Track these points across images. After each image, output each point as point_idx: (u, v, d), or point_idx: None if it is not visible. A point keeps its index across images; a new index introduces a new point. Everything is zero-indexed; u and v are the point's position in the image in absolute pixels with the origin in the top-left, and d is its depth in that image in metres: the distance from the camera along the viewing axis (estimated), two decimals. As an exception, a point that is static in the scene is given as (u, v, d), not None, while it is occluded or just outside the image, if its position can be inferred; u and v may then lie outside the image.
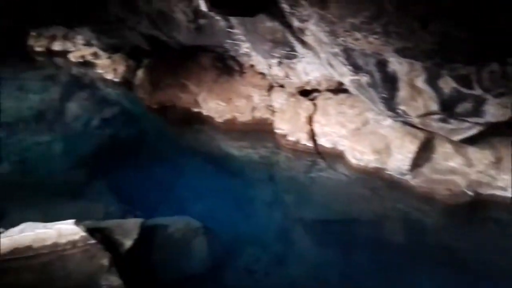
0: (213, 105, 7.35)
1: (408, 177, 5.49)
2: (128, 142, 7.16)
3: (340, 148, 6.14)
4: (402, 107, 4.74)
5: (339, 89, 6.20)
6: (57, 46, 11.97)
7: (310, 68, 5.73)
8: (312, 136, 6.37)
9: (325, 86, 6.19)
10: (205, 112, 7.49)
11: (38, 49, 12.10)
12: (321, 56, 4.83)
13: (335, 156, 6.18)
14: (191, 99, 7.72)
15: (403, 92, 4.46)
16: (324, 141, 6.31)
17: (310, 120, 6.44)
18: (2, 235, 3.79)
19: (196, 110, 7.64)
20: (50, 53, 11.91)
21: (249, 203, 5.46)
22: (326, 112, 6.35)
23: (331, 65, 4.90)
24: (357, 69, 4.44)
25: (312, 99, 6.68)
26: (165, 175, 5.96)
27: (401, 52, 3.74)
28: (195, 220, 4.68)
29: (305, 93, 6.71)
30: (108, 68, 9.58)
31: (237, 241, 4.68)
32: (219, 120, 7.23)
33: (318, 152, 6.32)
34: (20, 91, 9.17)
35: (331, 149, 6.25)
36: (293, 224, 5.13)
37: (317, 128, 6.37)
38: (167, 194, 5.56)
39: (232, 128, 7.12)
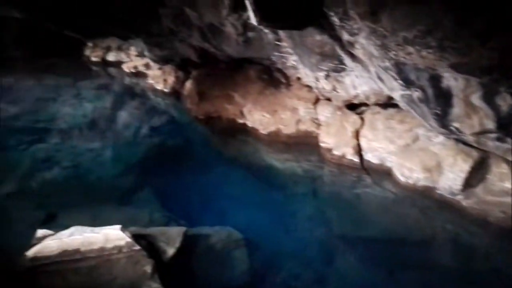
0: (258, 117, 7.37)
1: (459, 198, 5.23)
2: (174, 151, 7.31)
3: (388, 164, 5.97)
4: (455, 124, 4.54)
5: (388, 103, 6.04)
6: (111, 56, 12.55)
7: (358, 81, 5.63)
8: (359, 151, 6.24)
9: (374, 100, 6.06)
10: (250, 123, 7.54)
11: (94, 59, 12.74)
12: (370, 69, 4.72)
13: (382, 173, 6.01)
14: (237, 111, 7.80)
15: (457, 109, 4.27)
16: (370, 157, 6.17)
17: (356, 135, 6.31)
18: (52, 237, 3.94)
19: (241, 121, 7.72)
20: (105, 63, 12.51)
21: (291, 217, 5.39)
22: (374, 127, 6.20)
23: (380, 79, 4.78)
24: (408, 84, 4.31)
25: (359, 113, 6.55)
26: (209, 185, 6.02)
27: (457, 68, 3.58)
28: (236, 231, 4.69)
29: (352, 106, 6.60)
30: (159, 79, 9.89)
31: (277, 255, 4.63)
32: (264, 131, 7.25)
33: (364, 167, 6.18)
34: (76, 99, 9.65)
35: (378, 165, 6.09)
36: (336, 241, 5.00)
37: (364, 143, 6.23)
38: (210, 204, 5.60)
39: (276, 140, 7.11)
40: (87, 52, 12.99)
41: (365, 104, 6.41)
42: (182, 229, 4.42)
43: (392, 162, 5.90)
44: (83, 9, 6.48)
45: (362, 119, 6.42)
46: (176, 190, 5.86)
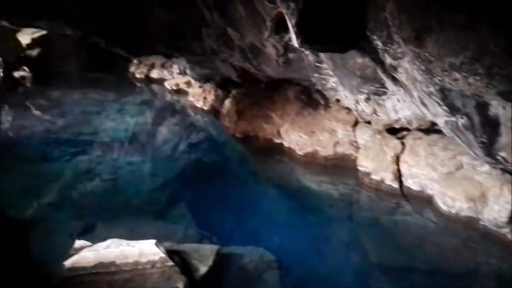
0: (295, 137, 7.34)
1: (505, 230, 4.96)
2: (211, 168, 7.37)
3: (429, 192, 5.77)
4: (502, 154, 4.33)
5: (431, 129, 5.87)
6: (155, 74, 12.96)
7: (400, 105, 5.51)
8: (398, 176, 6.07)
9: (416, 125, 5.90)
10: (286, 143, 7.51)
11: (138, 75, 13.20)
12: (413, 94, 4.61)
13: (423, 200, 5.81)
14: (274, 130, 7.81)
15: (505, 138, 4.09)
16: (411, 183, 5.98)
17: (397, 160, 6.15)
18: (89, 248, 4.04)
19: (277, 141, 7.70)
20: (148, 80, 12.93)
21: (325, 241, 5.28)
22: (415, 153, 6.02)
23: (424, 104, 4.66)
24: (453, 110, 4.17)
25: (400, 138, 6.39)
26: (243, 204, 6.02)
27: (505, 95, 3.44)
28: (269, 252, 4.64)
29: (393, 131, 6.45)
30: (199, 97, 10.08)
31: (310, 279, 4.52)
32: (300, 152, 7.19)
33: (404, 194, 5.99)
34: (119, 113, 9.97)
35: (418, 192, 5.89)
36: (372, 269, 4.84)
37: (404, 168, 6.06)
38: (244, 223, 5.58)
39: (313, 162, 7.03)
40: (132, 68, 13.48)
41: (407, 129, 6.25)
42: (215, 247, 4.43)
43: (434, 190, 5.69)
44: (131, 28, 6.74)
45: (403, 144, 6.26)
46: (211, 207, 5.88)
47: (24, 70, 13.06)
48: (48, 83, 12.39)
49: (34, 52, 13.65)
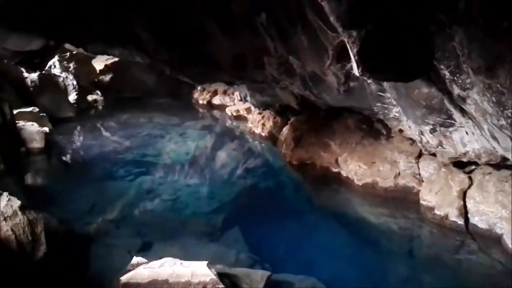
0: (354, 167, 7.20)
1: None
2: (266, 194, 7.41)
3: (498, 231, 5.38)
4: None
5: (501, 164, 5.50)
6: (217, 100, 13.41)
7: (468, 138, 5.23)
8: (464, 213, 5.74)
9: (485, 160, 5.56)
10: (344, 173, 7.39)
11: (201, 101, 13.74)
12: (483, 127, 4.37)
13: (490, 239, 5.43)
14: (332, 159, 7.71)
15: None
16: (477, 221, 5.62)
17: (463, 195, 5.82)
18: (145, 265, 4.18)
19: (335, 170, 7.60)
20: (210, 106, 13.41)
21: (381, 277, 5.04)
22: (484, 189, 5.67)
23: (494, 138, 4.40)
24: (527, 145, 3.91)
25: (467, 172, 6.05)
26: (297, 232, 5.96)
27: None
28: (321, 283, 4.55)
29: (459, 164, 6.12)
30: (258, 123, 10.25)
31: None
32: (358, 183, 7.04)
33: (469, 232, 5.64)
34: (181, 137, 10.39)
35: (485, 230, 5.52)
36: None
37: (470, 205, 5.72)
38: (297, 251, 5.51)
39: (372, 193, 6.85)
40: (196, 95, 14.04)
41: (475, 163, 5.91)
42: (266, 273, 4.40)
43: (503, 229, 5.31)
44: (196, 57, 7.04)
45: (470, 178, 5.92)
46: (265, 233, 5.87)
47: (97, 94, 14.05)
48: (118, 106, 13.23)
49: (107, 78, 14.67)
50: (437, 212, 5.92)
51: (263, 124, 10.12)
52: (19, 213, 4.50)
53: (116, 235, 5.73)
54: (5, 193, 4.71)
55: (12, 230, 4.33)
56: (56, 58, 12.67)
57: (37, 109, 9.99)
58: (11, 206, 4.51)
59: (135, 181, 7.62)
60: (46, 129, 9.43)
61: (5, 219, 4.35)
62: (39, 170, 8.46)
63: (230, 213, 6.55)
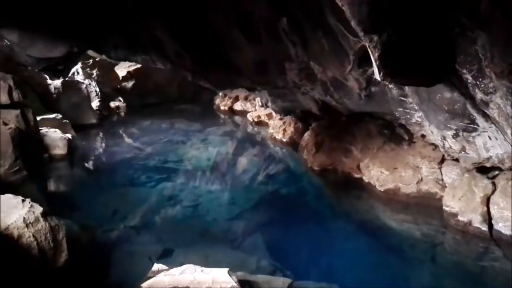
0: (376, 173, 7.13)
1: None
2: (287, 200, 7.39)
3: (523, 238, 5.24)
4: None
5: (527, 170, 5.38)
6: (238, 106, 13.51)
7: (491, 143, 5.13)
8: (488, 219, 5.61)
9: (509, 165, 5.43)
10: (366, 178, 7.33)
11: (222, 107, 13.87)
12: (506, 131, 4.29)
13: (515, 246, 5.29)
14: (353, 165, 7.65)
15: None
16: (501, 227, 5.50)
17: (486, 201, 5.69)
18: (165, 272, 4.21)
19: (357, 176, 7.55)
20: (232, 111, 13.52)
21: (406, 285, 4.96)
22: (508, 194, 5.52)
23: (519, 143, 4.31)
24: (553, 150, 3.81)
25: (491, 178, 5.91)
26: (318, 238, 5.91)
27: None
28: (343, 290, 4.49)
29: (483, 169, 5.99)
30: (279, 129, 10.26)
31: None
32: (380, 188, 6.97)
33: (493, 238, 5.52)
34: (203, 143, 10.48)
35: (510, 236, 5.39)
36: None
37: (494, 211, 5.59)
38: (319, 258, 5.47)
39: (393, 199, 6.77)
40: (217, 101, 14.18)
41: (499, 168, 5.78)
42: (288, 280, 4.38)
43: (529, 236, 5.17)
44: (218, 63, 7.11)
45: (494, 184, 5.78)
46: (286, 240, 5.86)
47: (119, 100, 14.32)
48: (140, 113, 13.45)
49: (129, 84, 14.93)
50: (460, 218, 5.81)
51: (284, 130, 10.13)
52: (41, 219, 4.54)
53: (137, 242, 5.78)
54: (28, 200, 4.78)
55: (34, 236, 4.37)
56: (79, 65, 13.02)
57: (60, 116, 10.21)
58: (33, 212, 4.56)
59: (157, 187, 7.70)
60: (69, 135, 9.63)
61: (27, 225, 4.39)
62: (61, 177, 8.62)
63: (251, 220, 6.54)
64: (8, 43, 7.32)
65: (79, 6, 6.41)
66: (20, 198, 4.82)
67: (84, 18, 6.58)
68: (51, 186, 8.23)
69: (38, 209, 4.67)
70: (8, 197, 4.84)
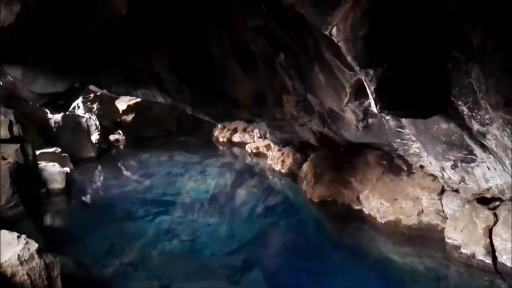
0: (376, 204, 7.07)
1: None
2: (287, 232, 7.30)
3: (528, 271, 5.13)
4: None
5: (528, 200, 5.34)
6: (237, 137, 13.56)
7: (491, 174, 5.11)
8: (491, 251, 5.50)
9: (509, 196, 5.39)
10: (366, 210, 7.26)
11: (221, 139, 13.92)
12: (505, 162, 4.28)
13: (521, 279, 5.17)
14: (353, 196, 7.60)
15: None
16: (505, 259, 5.38)
17: (489, 233, 5.59)
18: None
19: (357, 207, 7.49)
20: (230, 143, 13.55)
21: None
22: (510, 225, 5.45)
23: (518, 173, 4.30)
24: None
25: (492, 209, 5.85)
26: (319, 273, 5.79)
27: None
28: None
29: (483, 200, 5.94)
30: (277, 160, 10.25)
31: None
32: (381, 220, 6.89)
33: (498, 271, 5.39)
34: (201, 175, 10.45)
35: (516, 270, 5.28)
36: None
37: (497, 243, 5.49)
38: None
39: (395, 231, 6.68)
40: (216, 132, 14.24)
41: (499, 199, 5.73)
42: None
43: (535, 269, 5.06)
44: (217, 97, 7.20)
45: (495, 215, 5.70)
46: (286, 275, 5.75)
47: (119, 133, 14.39)
48: (139, 145, 13.49)
49: (129, 118, 15.04)
50: (463, 250, 5.71)
51: (283, 161, 10.11)
52: (36, 256, 4.48)
53: (133, 278, 5.66)
54: (23, 236, 4.73)
55: (28, 274, 4.30)
56: (80, 99, 13.09)
57: (59, 150, 10.20)
58: (28, 249, 4.50)
59: (154, 221, 7.62)
60: (67, 169, 9.61)
61: (21, 263, 4.33)
62: (58, 211, 8.55)
63: (251, 253, 6.41)
64: (12, 79, 7.40)
65: (81, 44, 6.53)
66: (15, 234, 4.76)
67: (86, 55, 6.68)
68: (48, 221, 8.14)
69: (34, 245, 4.61)
70: (3, 233, 4.77)
